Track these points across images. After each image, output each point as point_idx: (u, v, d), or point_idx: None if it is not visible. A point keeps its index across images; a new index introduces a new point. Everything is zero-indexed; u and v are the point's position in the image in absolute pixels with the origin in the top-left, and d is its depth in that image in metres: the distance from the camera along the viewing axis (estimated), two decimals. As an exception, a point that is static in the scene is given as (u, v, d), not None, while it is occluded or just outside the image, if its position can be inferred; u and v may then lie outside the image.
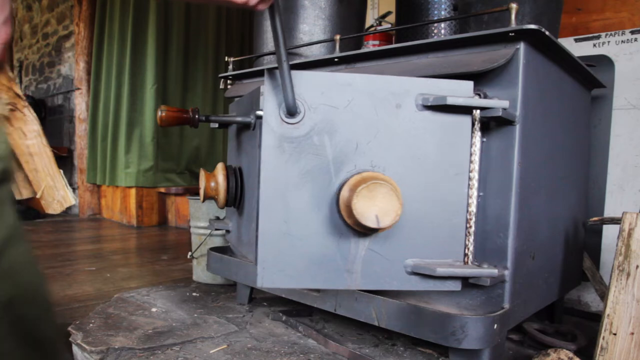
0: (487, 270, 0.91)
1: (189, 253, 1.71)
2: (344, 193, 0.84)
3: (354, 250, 0.89)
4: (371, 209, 0.80)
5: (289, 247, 0.87)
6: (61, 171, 0.70)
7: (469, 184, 0.91)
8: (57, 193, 0.69)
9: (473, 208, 0.91)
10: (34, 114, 0.65)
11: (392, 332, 1.19)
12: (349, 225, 0.86)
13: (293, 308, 1.38)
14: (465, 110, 0.90)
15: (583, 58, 1.35)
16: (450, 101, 0.87)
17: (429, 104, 0.89)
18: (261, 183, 0.84)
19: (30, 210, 3.66)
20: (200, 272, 1.71)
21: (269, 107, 0.85)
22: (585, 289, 1.49)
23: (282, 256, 0.87)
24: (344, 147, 0.88)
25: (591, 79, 1.30)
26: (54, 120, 4.61)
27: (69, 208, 4.18)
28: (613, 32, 1.48)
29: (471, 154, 0.92)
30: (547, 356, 0.93)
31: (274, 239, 0.86)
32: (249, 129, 1.22)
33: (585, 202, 1.41)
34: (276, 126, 0.85)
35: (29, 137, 0.63)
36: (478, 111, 0.91)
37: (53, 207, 0.69)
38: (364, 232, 0.87)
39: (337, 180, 0.88)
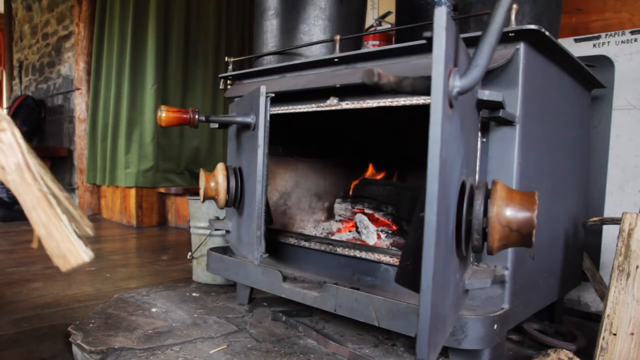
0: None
1: (189, 253, 1.71)
2: (502, 210, 0.67)
3: (456, 282, 0.72)
4: None
5: (443, 297, 0.60)
6: (64, 217, 0.52)
7: (469, 184, 0.91)
8: (57, 245, 0.51)
9: (473, 208, 0.91)
10: (18, 139, 0.49)
11: (392, 332, 1.19)
12: (461, 249, 0.70)
13: (293, 308, 1.38)
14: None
15: (583, 58, 1.35)
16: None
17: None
18: (431, 199, 0.52)
19: (30, 210, 3.66)
20: (200, 272, 1.71)
21: (442, 80, 0.52)
22: (585, 289, 1.49)
23: (440, 316, 0.59)
24: (463, 145, 0.70)
25: (591, 79, 1.30)
26: (53, 120, 4.61)
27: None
28: (613, 33, 1.48)
29: (471, 154, 0.92)
30: (547, 356, 0.93)
31: (437, 289, 0.55)
32: (249, 129, 1.22)
33: (585, 202, 1.41)
34: (446, 109, 0.54)
35: (8, 171, 0.49)
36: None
37: (55, 261, 0.52)
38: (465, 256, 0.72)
39: (457, 192, 0.67)
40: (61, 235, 0.51)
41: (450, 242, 0.65)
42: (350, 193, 1.78)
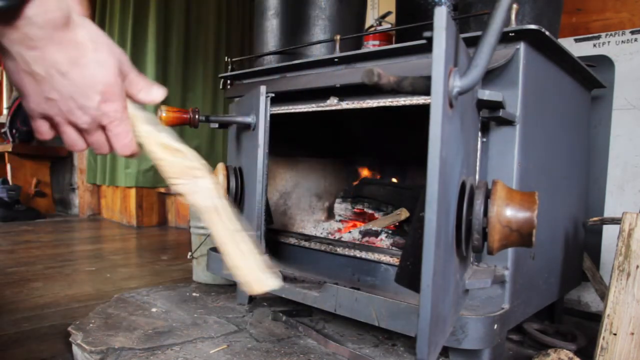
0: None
1: (189, 253, 1.71)
2: (502, 210, 0.67)
3: (456, 282, 0.72)
4: None
5: (443, 297, 0.60)
6: (250, 251, 0.58)
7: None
8: (244, 275, 0.58)
9: (473, 208, 0.91)
10: (214, 185, 0.57)
11: (392, 332, 1.19)
12: (462, 249, 0.70)
13: (293, 308, 1.38)
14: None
15: (583, 58, 1.35)
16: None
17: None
18: (431, 198, 0.52)
19: (30, 210, 3.66)
20: (200, 272, 1.71)
21: (442, 80, 0.52)
22: (585, 289, 1.49)
23: (440, 316, 0.59)
24: (463, 145, 0.70)
25: (591, 79, 1.30)
26: (54, 120, 4.61)
27: (69, 208, 4.18)
28: (613, 33, 1.48)
29: (471, 154, 0.92)
30: (547, 356, 0.93)
31: (437, 289, 0.55)
32: (249, 129, 1.22)
33: (585, 202, 1.41)
34: (446, 109, 0.53)
35: (204, 211, 0.57)
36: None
37: (243, 288, 0.58)
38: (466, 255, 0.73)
39: (457, 191, 0.67)
40: (247, 267, 0.59)
41: (450, 242, 0.65)
42: (351, 193, 1.78)
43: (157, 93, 0.55)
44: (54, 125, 0.50)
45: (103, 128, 0.51)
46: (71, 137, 0.51)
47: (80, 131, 0.51)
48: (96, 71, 0.47)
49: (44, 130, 0.50)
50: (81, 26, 0.46)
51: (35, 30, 0.42)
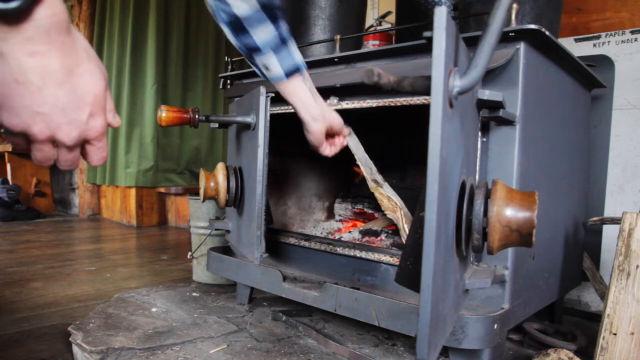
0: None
1: (189, 253, 1.71)
2: (502, 210, 0.67)
3: (456, 282, 0.73)
4: None
5: (443, 297, 0.60)
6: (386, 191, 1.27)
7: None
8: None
9: (473, 208, 0.91)
10: (354, 142, 1.21)
11: (392, 332, 1.19)
12: (461, 249, 0.71)
13: (293, 308, 1.38)
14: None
15: (583, 58, 1.35)
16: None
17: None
18: (431, 198, 0.52)
19: (30, 210, 3.66)
20: (200, 272, 1.71)
21: (442, 80, 0.51)
22: (585, 289, 1.49)
23: (440, 315, 0.59)
24: (463, 145, 0.70)
25: (591, 79, 1.30)
26: (54, 120, 4.60)
27: (69, 208, 4.18)
28: (613, 32, 1.48)
29: (471, 154, 0.91)
30: (547, 356, 0.93)
31: (437, 288, 0.55)
32: (249, 129, 1.22)
33: (585, 202, 1.41)
34: (446, 109, 0.53)
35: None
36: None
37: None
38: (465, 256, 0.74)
39: (457, 191, 0.67)
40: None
41: (450, 241, 0.65)
42: (351, 193, 1.78)
43: (118, 119, 0.54)
44: (30, 141, 0.46)
45: (86, 142, 0.49)
46: (47, 154, 0.47)
47: (58, 147, 0.47)
48: (89, 82, 0.45)
49: (21, 143, 0.47)
50: (75, 34, 0.44)
51: (40, 34, 0.40)
